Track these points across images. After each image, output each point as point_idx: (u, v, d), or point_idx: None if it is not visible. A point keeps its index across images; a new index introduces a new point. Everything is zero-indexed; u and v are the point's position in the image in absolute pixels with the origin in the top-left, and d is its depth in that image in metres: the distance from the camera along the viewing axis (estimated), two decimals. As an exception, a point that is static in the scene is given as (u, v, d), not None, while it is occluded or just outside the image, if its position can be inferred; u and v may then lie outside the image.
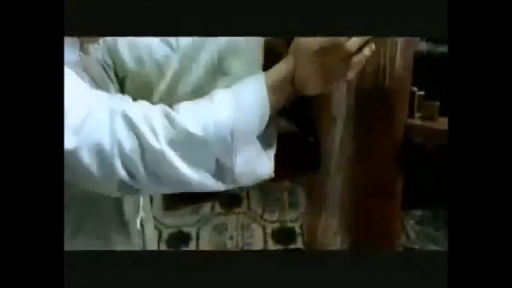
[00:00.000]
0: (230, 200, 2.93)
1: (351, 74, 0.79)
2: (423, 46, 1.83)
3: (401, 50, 0.95)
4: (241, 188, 1.00)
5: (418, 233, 2.45)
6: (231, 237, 2.76)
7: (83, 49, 0.93)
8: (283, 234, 2.81)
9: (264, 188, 2.91)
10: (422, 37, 0.91)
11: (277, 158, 1.03)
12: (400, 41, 0.94)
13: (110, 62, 1.04)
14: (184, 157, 0.72)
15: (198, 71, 0.93)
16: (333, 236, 1.12)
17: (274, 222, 2.89)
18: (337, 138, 1.05)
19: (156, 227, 2.17)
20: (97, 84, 0.94)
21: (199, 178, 0.74)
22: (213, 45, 0.94)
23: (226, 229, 2.85)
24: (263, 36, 0.96)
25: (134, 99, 0.83)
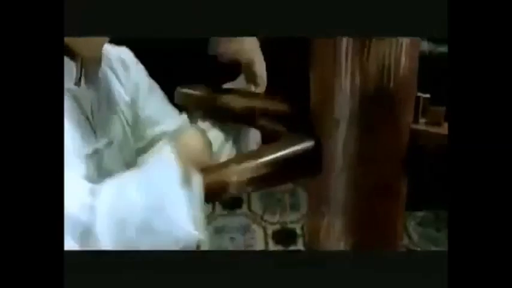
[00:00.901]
0: (231, 201, 2.95)
1: None
2: (426, 46, 1.83)
3: (406, 51, 0.95)
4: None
5: (420, 234, 2.45)
6: (232, 239, 2.77)
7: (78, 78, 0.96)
8: (284, 236, 2.82)
9: (265, 189, 2.92)
10: (423, 37, 0.92)
11: (280, 160, 1.04)
12: (405, 41, 0.94)
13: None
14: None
15: None
16: (334, 238, 1.12)
17: (275, 223, 2.90)
18: (340, 140, 1.05)
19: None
20: (87, 113, 1.01)
21: None
22: None
23: (227, 231, 2.86)
24: (263, 36, 0.97)
25: None
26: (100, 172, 1.01)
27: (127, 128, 1.13)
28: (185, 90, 1.21)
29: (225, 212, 2.98)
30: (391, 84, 0.96)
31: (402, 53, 0.94)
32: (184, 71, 1.23)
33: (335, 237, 1.11)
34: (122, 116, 1.11)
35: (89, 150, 0.98)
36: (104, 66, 1.06)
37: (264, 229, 2.93)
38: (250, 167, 0.98)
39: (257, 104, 1.25)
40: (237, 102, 1.20)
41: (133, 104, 1.14)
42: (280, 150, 1.05)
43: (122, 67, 1.11)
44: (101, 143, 1.03)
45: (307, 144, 1.08)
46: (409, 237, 2.53)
